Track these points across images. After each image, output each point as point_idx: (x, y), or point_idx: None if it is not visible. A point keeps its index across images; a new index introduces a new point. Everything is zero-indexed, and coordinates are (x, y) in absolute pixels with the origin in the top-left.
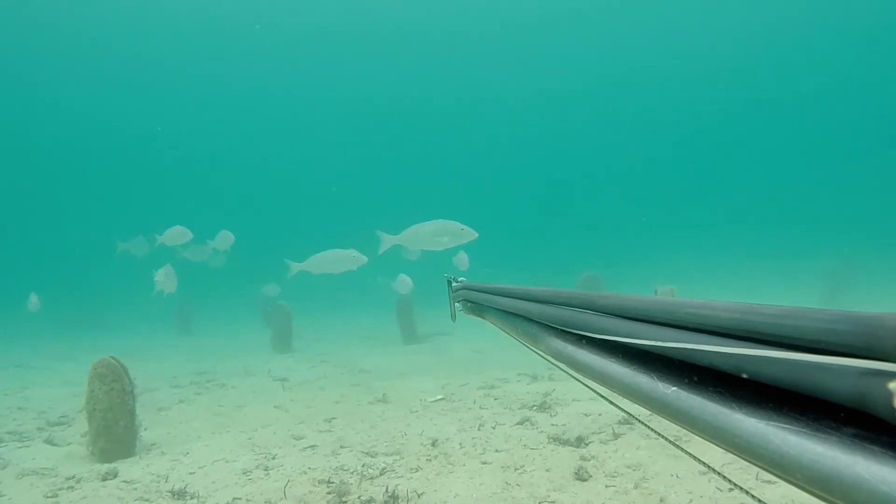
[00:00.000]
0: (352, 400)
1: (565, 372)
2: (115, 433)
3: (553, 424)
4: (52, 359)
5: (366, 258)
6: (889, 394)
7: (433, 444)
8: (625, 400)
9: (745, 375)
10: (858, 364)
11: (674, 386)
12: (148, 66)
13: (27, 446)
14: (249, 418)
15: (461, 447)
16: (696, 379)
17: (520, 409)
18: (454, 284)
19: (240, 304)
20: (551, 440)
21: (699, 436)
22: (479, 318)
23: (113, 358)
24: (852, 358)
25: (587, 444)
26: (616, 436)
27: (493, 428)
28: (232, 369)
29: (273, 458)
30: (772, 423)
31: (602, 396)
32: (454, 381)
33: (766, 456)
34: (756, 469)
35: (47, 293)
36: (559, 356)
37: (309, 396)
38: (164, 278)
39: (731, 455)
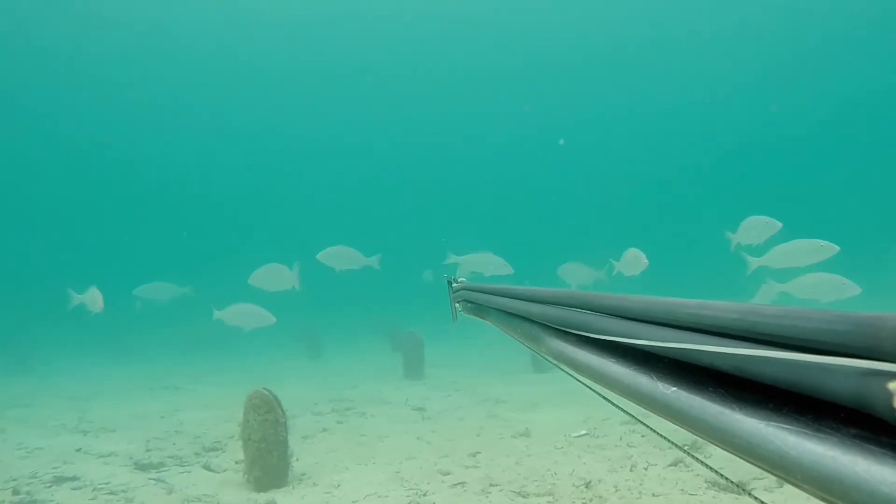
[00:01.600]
0: (492, 433)
1: (566, 372)
2: (268, 463)
3: None
4: (186, 379)
5: None
6: (889, 394)
7: (587, 486)
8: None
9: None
10: (858, 364)
11: (674, 386)
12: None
13: (188, 471)
14: (392, 449)
15: (616, 490)
16: (695, 379)
17: (670, 447)
18: (454, 285)
19: (360, 326)
20: (709, 485)
21: (699, 436)
22: (480, 319)
23: (265, 389)
24: (852, 358)
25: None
26: (780, 482)
27: (646, 469)
28: (367, 396)
29: (424, 495)
30: (772, 423)
31: (606, 399)
32: (594, 415)
33: (766, 456)
34: None
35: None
36: (559, 357)
37: (449, 427)
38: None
39: None
